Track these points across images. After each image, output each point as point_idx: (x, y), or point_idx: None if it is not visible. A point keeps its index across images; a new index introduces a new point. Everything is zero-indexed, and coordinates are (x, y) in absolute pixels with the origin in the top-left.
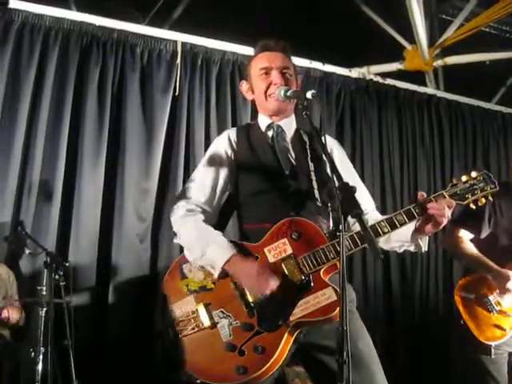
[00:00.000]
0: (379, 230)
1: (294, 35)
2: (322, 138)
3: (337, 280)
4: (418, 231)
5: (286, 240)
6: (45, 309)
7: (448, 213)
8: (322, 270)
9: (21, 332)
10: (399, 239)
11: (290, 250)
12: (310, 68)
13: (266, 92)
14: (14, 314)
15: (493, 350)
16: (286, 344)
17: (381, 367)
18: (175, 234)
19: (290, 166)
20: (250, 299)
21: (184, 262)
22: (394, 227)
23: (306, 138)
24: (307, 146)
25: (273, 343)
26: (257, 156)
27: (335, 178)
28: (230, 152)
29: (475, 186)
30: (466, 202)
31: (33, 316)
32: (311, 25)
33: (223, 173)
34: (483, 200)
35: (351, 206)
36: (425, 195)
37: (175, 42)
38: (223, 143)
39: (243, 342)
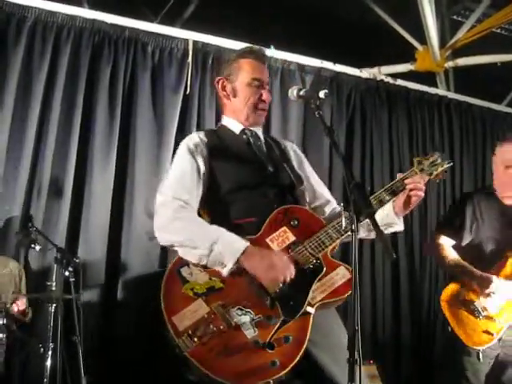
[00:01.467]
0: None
1: (305, 35)
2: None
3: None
4: (397, 210)
5: (285, 228)
6: (54, 304)
7: (423, 186)
8: (329, 250)
9: (28, 326)
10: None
11: (292, 237)
12: (321, 68)
13: (256, 105)
14: (21, 305)
15: (481, 355)
16: (311, 328)
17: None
18: (166, 232)
19: (273, 164)
20: (270, 290)
21: (180, 265)
22: (382, 204)
23: (272, 144)
24: (275, 149)
25: (301, 330)
26: (234, 154)
27: (347, 177)
28: (204, 150)
29: (436, 162)
30: (433, 176)
31: (42, 312)
32: (323, 24)
33: (200, 171)
34: (440, 176)
35: (364, 206)
36: (402, 175)
37: (186, 40)
38: (196, 143)
39: (271, 336)
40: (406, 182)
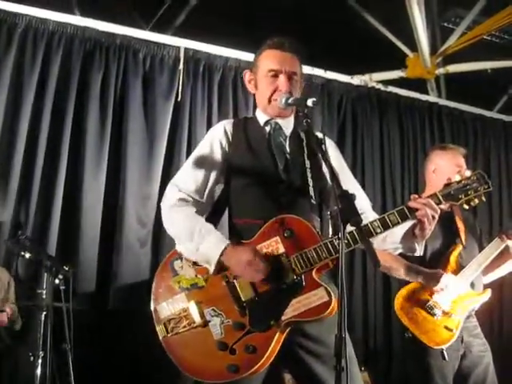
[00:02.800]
0: (372, 230)
1: (296, 42)
2: (323, 146)
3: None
4: (413, 234)
5: (278, 238)
6: (44, 313)
7: (430, 212)
8: (315, 269)
9: (18, 334)
10: (395, 241)
11: (282, 249)
12: (312, 75)
13: (270, 96)
14: (9, 310)
15: (445, 353)
16: (276, 343)
17: (358, 369)
18: (166, 224)
19: (285, 162)
20: (242, 298)
21: (175, 258)
22: (386, 227)
23: (302, 136)
24: (304, 144)
25: (264, 343)
26: (252, 149)
27: (335, 185)
28: (224, 143)
29: (468, 186)
30: (460, 202)
31: (32, 320)
32: (313, 31)
33: (216, 164)
34: (476, 200)
35: (351, 214)
36: (417, 197)
37: (178, 47)
38: (218, 134)
39: (234, 341)
40: (410, 204)
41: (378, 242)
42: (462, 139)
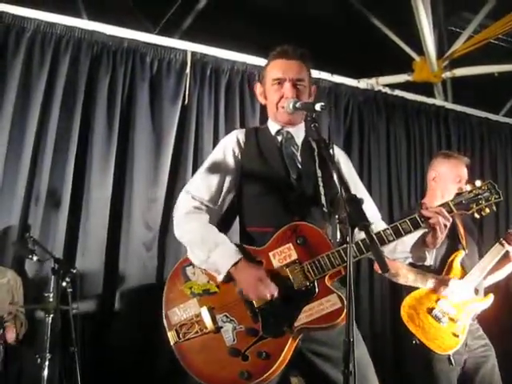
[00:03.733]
0: (384, 237)
1: (303, 45)
2: (330, 150)
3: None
4: (424, 243)
5: (290, 245)
6: (51, 315)
7: (442, 221)
8: (327, 276)
9: (25, 336)
10: (404, 250)
11: (294, 256)
12: (319, 78)
13: (277, 104)
14: (9, 334)
15: (452, 359)
16: (289, 349)
17: (375, 375)
18: (178, 232)
19: (297, 171)
20: (255, 304)
21: (187, 264)
22: (399, 235)
23: (314, 145)
24: (315, 153)
25: (277, 349)
26: (264, 158)
27: (343, 190)
28: (237, 152)
29: (479, 196)
30: (471, 211)
31: (39, 322)
32: (320, 35)
33: (230, 172)
34: (487, 210)
35: (359, 218)
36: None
37: (185, 51)
38: (231, 142)
39: (247, 347)
40: (423, 213)
41: (388, 252)
42: (468, 143)
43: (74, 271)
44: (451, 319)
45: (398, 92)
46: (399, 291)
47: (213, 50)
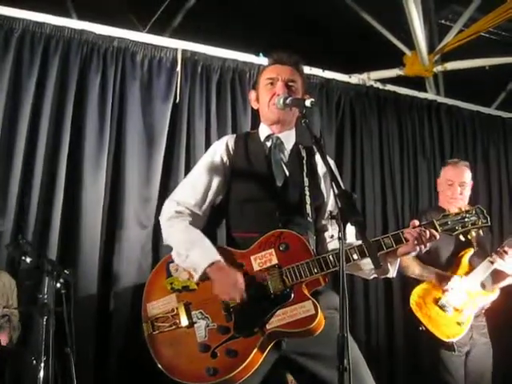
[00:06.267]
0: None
1: (294, 42)
2: (322, 149)
3: (332, 298)
4: (391, 254)
5: (272, 250)
6: (46, 317)
7: (418, 247)
8: (304, 283)
9: (20, 338)
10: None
11: (275, 261)
12: (310, 74)
13: (269, 101)
14: (3, 337)
15: (455, 346)
16: (259, 351)
17: (368, 371)
18: (164, 235)
19: (284, 179)
20: (230, 303)
21: (171, 260)
22: (380, 249)
23: (303, 153)
24: (304, 161)
25: (246, 349)
26: (251, 165)
27: (334, 185)
28: (225, 158)
29: (466, 219)
30: (456, 233)
31: (34, 324)
32: (311, 31)
33: (217, 178)
34: (473, 233)
35: (351, 213)
36: (417, 223)
37: (175, 49)
38: (220, 149)
39: (217, 345)
40: (406, 234)
41: (352, 268)
42: (460, 136)
43: (68, 272)
44: (456, 309)
45: (389, 87)
46: (394, 302)
47: (203, 48)
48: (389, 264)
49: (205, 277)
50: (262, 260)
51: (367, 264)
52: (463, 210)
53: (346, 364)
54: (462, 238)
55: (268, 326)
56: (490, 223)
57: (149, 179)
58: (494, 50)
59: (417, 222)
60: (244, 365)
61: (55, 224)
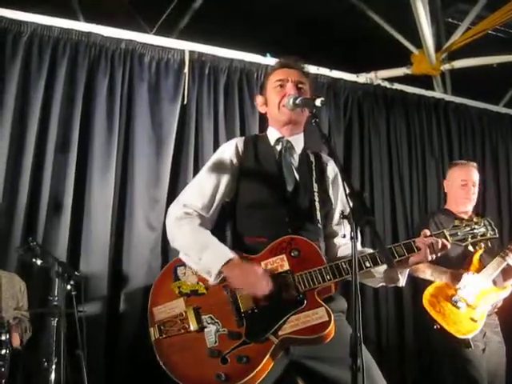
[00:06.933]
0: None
1: (301, 42)
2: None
3: (339, 301)
4: (401, 263)
5: (284, 256)
6: (57, 319)
7: (429, 256)
8: (316, 290)
9: (32, 341)
10: (381, 271)
11: (287, 266)
12: (317, 74)
13: (279, 103)
14: (14, 339)
15: (471, 342)
16: (271, 357)
17: (381, 375)
18: (170, 237)
19: (294, 184)
20: (242, 308)
21: (179, 264)
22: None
23: (312, 158)
24: (313, 167)
25: (258, 355)
26: (261, 168)
27: (346, 185)
28: (235, 161)
29: (475, 231)
30: (465, 243)
31: (45, 326)
32: (318, 31)
33: (225, 180)
34: (482, 244)
35: (363, 213)
36: (428, 233)
37: (183, 50)
38: (229, 151)
39: (228, 351)
40: (418, 243)
41: (362, 275)
42: (468, 134)
43: (78, 274)
44: (469, 306)
45: (397, 85)
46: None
47: (210, 49)
48: (399, 274)
49: (220, 279)
50: (274, 265)
51: (378, 271)
52: (474, 220)
53: (360, 364)
54: (470, 248)
55: (281, 332)
56: (497, 235)
57: (158, 181)
58: (502, 47)
59: (428, 232)
60: (256, 371)
61: (64, 226)
